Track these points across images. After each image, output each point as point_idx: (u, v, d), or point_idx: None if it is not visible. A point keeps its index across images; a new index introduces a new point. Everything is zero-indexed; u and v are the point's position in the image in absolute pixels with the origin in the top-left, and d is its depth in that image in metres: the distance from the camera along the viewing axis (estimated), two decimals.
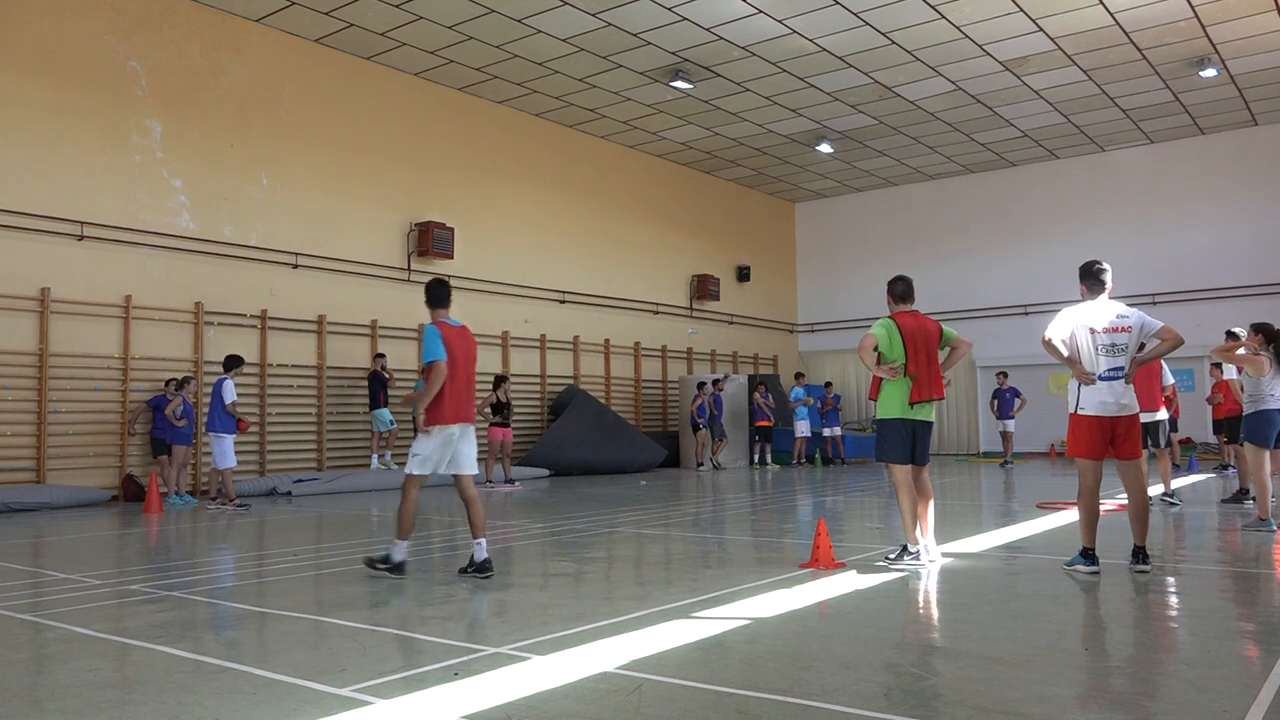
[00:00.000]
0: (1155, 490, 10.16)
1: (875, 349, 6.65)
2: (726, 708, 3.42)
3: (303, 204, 15.05)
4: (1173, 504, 10.35)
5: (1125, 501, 6.52)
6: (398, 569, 6.34)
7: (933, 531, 6.74)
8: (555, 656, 4.13)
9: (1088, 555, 6.16)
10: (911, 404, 6.57)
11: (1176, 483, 12.04)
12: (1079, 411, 6.20)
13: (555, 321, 19.24)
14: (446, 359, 6.27)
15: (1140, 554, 6.17)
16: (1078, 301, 6.44)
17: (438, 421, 6.33)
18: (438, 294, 6.61)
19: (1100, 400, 6.12)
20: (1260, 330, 8.69)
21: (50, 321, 12.20)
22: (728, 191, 24.26)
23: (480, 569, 6.20)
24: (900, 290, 6.88)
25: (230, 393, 11.43)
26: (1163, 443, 10.47)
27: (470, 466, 6.50)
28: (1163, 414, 10.33)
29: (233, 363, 11.83)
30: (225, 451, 11.45)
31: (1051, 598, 5.52)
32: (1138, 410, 6.29)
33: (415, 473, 6.36)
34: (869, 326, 6.80)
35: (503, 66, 16.41)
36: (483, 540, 6.28)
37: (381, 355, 15.27)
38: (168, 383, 12.66)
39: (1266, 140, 20.36)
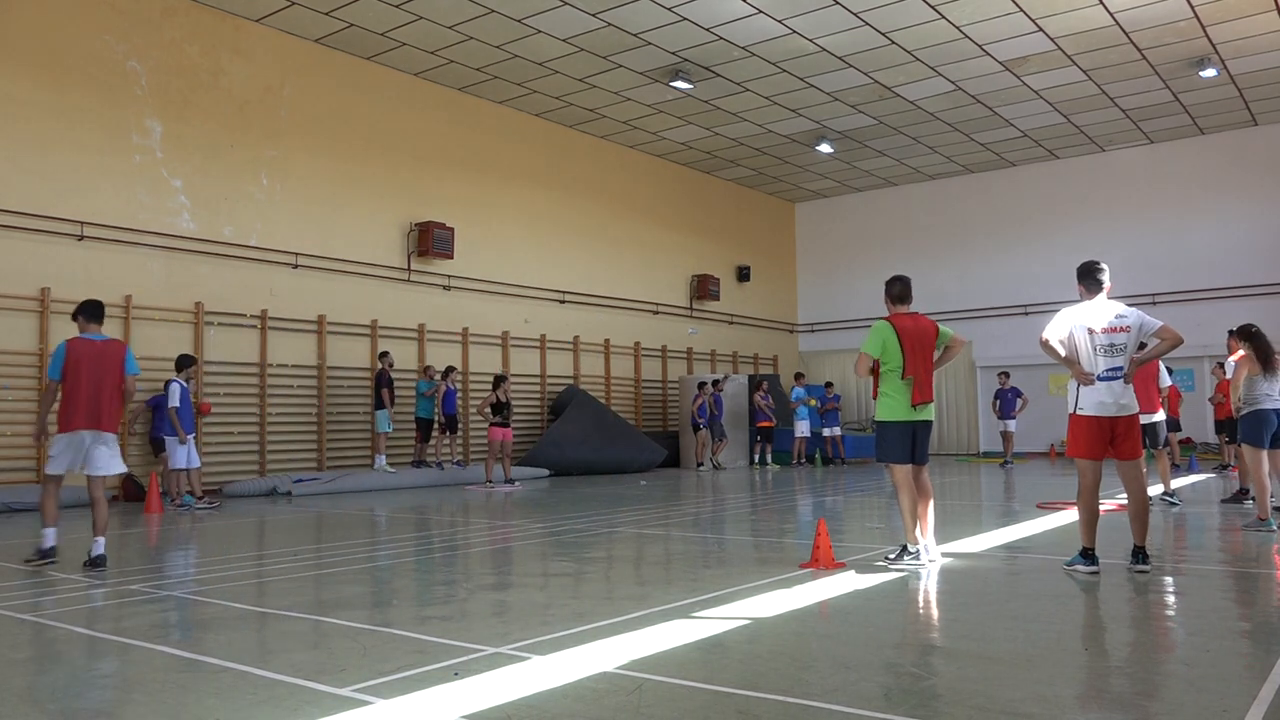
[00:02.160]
0: (1155, 490, 10.17)
1: (871, 360, 6.69)
2: (726, 708, 3.42)
3: (303, 204, 15.05)
4: (1173, 504, 10.36)
5: (1125, 501, 6.52)
6: (49, 555, 6.88)
7: (933, 531, 6.74)
8: (555, 656, 4.13)
9: (1088, 555, 6.16)
10: (914, 406, 6.58)
11: (1176, 483, 12.05)
12: (1078, 412, 6.20)
13: (555, 321, 19.24)
14: (60, 379, 7.02)
15: (1140, 554, 6.17)
16: (1077, 301, 6.44)
17: (61, 429, 7.01)
18: (89, 312, 7.31)
19: (1099, 400, 6.12)
20: (1240, 334, 8.71)
21: (50, 321, 12.20)
22: (728, 191, 24.26)
23: (94, 564, 6.73)
24: (898, 291, 6.87)
25: (174, 397, 11.35)
26: (1160, 443, 10.49)
27: (100, 469, 7.06)
28: (1160, 415, 10.35)
29: (182, 363, 11.80)
30: (174, 453, 11.46)
31: (1051, 598, 5.52)
32: (1137, 410, 6.29)
33: (50, 472, 7.06)
34: (869, 326, 6.80)
35: (503, 66, 16.41)
36: (101, 539, 6.81)
37: (386, 354, 15.18)
38: (167, 384, 12.63)
39: (1266, 140, 20.36)
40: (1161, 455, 10.66)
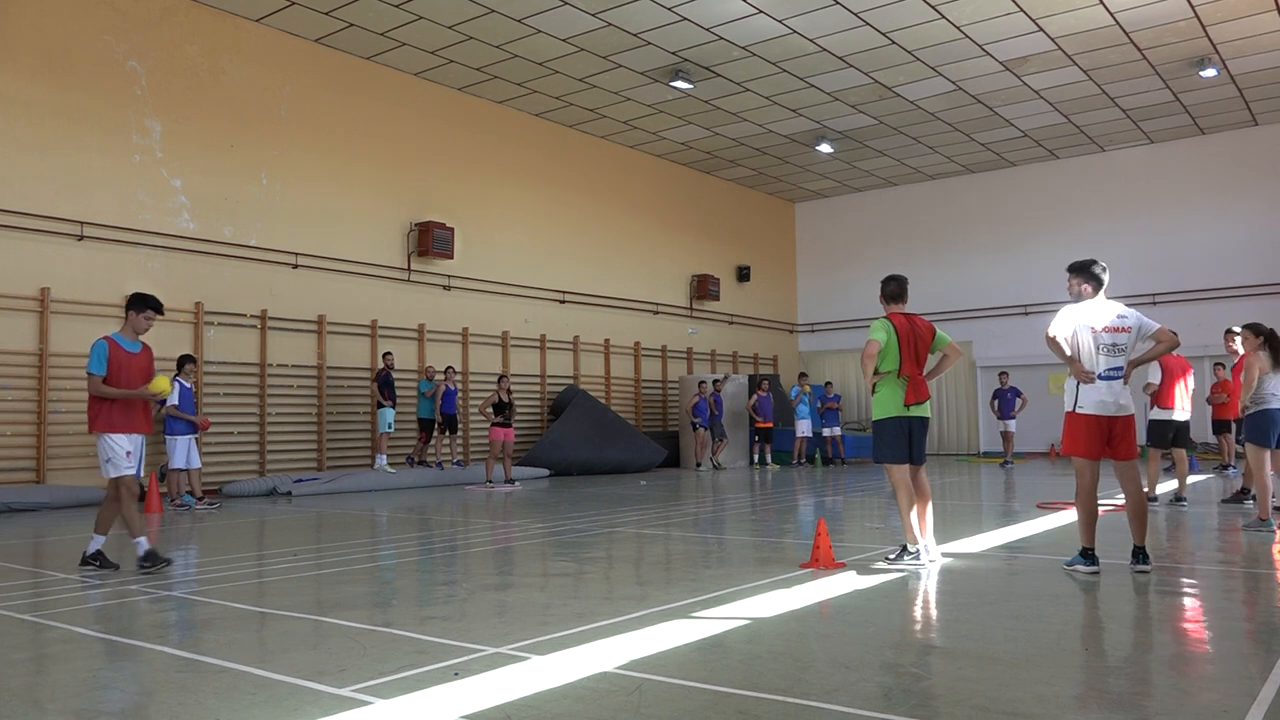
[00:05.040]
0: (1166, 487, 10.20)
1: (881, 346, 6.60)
2: (726, 708, 3.42)
3: (303, 204, 15.05)
4: (1181, 505, 10.35)
5: (1123, 502, 6.52)
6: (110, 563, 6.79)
7: (932, 531, 6.74)
8: (555, 656, 4.13)
9: (1087, 555, 6.16)
10: (907, 405, 6.57)
11: (1174, 483, 12.03)
12: (1078, 410, 6.19)
13: (555, 321, 19.24)
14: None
15: (1140, 554, 6.16)
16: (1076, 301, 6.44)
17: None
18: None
19: (1100, 400, 6.12)
20: (1254, 330, 8.69)
21: (50, 321, 12.20)
22: (728, 191, 24.26)
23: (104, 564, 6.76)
24: (893, 290, 6.85)
25: (173, 395, 11.48)
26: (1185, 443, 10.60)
27: None
28: (1187, 414, 10.42)
29: (181, 362, 11.90)
30: (174, 453, 11.58)
31: (1051, 598, 5.52)
32: (1133, 411, 6.29)
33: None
34: (868, 327, 6.77)
35: (503, 66, 16.41)
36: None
37: (388, 354, 15.21)
38: (173, 379, 12.68)
39: (1266, 140, 20.35)
40: (1182, 457, 10.70)
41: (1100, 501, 6.42)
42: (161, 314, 7.21)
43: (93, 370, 6.75)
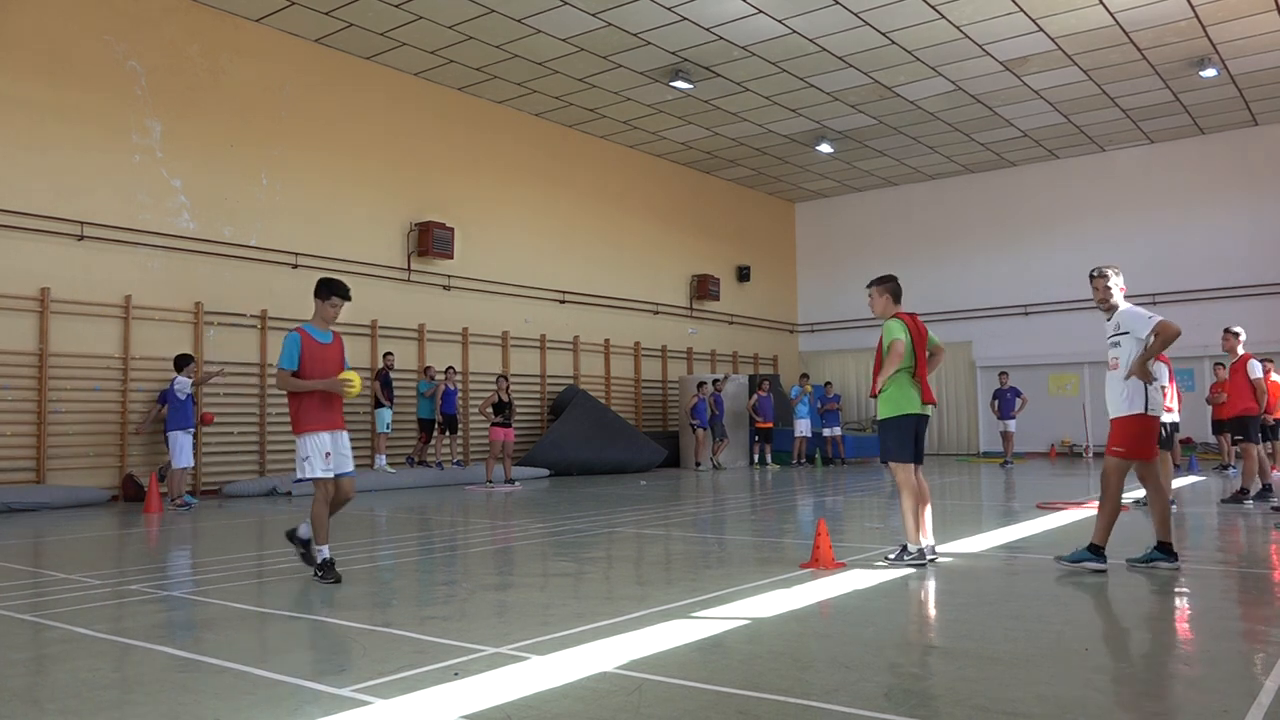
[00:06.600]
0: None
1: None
2: (726, 708, 3.42)
3: (303, 204, 15.05)
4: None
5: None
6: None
7: (932, 531, 6.74)
8: (555, 656, 4.13)
9: (1098, 552, 6.17)
10: (924, 404, 6.63)
11: (1176, 483, 12.04)
12: (1149, 412, 6.17)
13: (555, 321, 19.24)
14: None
15: (1166, 548, 6.23)
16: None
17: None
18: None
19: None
20: None
21: (50, 321, 12.20)
22: (728, 191, 24.26)
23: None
24: (897, 289, 6.99)
25: (184, 389, 11.60)
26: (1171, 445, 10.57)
27: None
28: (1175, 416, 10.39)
29: (182, 361, 11.93)
30: (176, 452, 11.61)
31: (1051, 598, 5.52)
32: None
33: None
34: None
35: (503, 66, 16.41)
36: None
37: (389, 354, 15.27)
38: (172, 381, 12.66)
39: (1266, 140, 20.35)
40: (1166, 458, 10.69)
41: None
42: (349, 299, 6.71)
43: (281, 365, 6.33)
